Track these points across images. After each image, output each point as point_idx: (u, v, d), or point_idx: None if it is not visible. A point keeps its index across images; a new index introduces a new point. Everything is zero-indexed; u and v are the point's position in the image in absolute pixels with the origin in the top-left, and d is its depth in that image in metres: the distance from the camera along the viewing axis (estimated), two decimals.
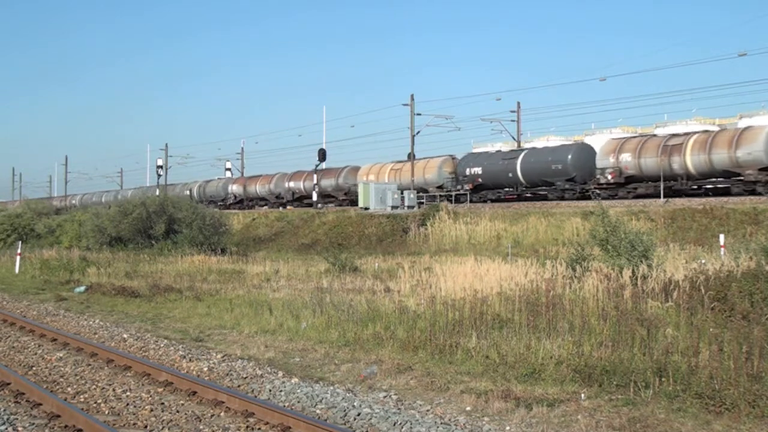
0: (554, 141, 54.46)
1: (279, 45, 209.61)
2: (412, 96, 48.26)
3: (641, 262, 14.42)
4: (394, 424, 7.92)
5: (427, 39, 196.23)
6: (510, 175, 40.71)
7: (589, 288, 13.39)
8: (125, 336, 13.97)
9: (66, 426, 8.01)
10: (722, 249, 20.45)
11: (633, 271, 13.77)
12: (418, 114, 48.38)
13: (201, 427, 8.10)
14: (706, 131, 36.05)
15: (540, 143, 53.89)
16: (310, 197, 53.71)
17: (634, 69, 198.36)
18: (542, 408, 8.48)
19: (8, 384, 9.91)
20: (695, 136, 33.78)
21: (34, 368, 11.25)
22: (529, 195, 40.52)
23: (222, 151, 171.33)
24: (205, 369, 10.97)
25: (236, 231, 45.47)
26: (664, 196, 32.68)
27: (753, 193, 31.17)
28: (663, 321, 10.94)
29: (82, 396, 9.45)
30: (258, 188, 60.78)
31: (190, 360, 11.60)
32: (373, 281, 19.75)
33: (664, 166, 33.90)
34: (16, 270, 29.44)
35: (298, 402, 9.05)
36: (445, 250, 33.55)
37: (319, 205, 50.91)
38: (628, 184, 35.94)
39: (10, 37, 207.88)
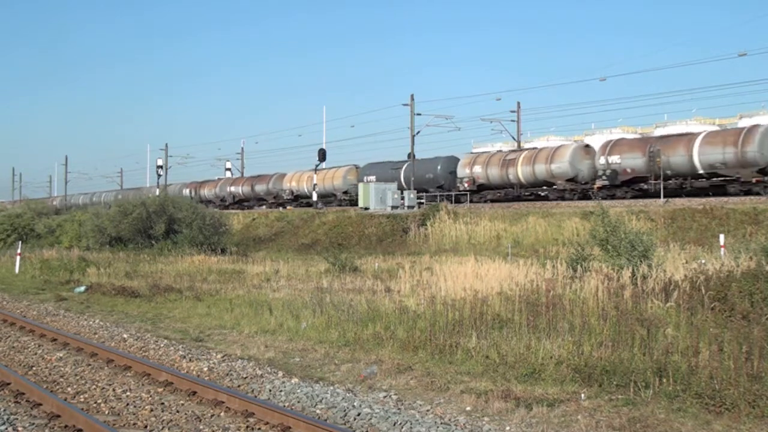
0: (554, 141, 54.58)
1: (279, 45, 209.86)
2: (412, 96, 48.34)
3: (641, 262, 14.41)
4: (394, 424, 7.92)
5: (427, 39, 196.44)
6: (395, 182, 47.95)
7: (589, 288, 13.36)
8: (125, 336, 13.97)
9: (66, 426, 8.01)
10: (722, 249, 20.45)
11: (633, 271, 13.75)
12: (418, 114, 48.53)
13: (201, 427, 8.10)
14: (533, 148, 44.04)
15: (540, 143, 54.41)
16: (248, 200, 63.12)
17: (634, 69, 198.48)
18: (542, 408, 8.48)
19: (8, 384, 9.91)
20: (525, 153, 41.53)
21: (34, 368, 11.25)
22: None
23: (222, 151, 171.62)
24: (205, 369, 10.97)
25: (236, 231, 45.51)
26: (504, 201, 38.70)
27: (563, 198, 37.53)
28: (663, 321, 10.93)
29: (82, 396, 9.45)
30: (206, 192, 68.29)
31: (190, 360, 11.60)
32: (373, 281, 19.73)
33: (504, 176, 41.64)
34: (16, 270, 29.43)
35: (298, 402, 9.05)
36: (445, 250, 33.55)
37: (264, 207, 57.67)
38: (481, 191, 43.30)
39: (10, 37, 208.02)
